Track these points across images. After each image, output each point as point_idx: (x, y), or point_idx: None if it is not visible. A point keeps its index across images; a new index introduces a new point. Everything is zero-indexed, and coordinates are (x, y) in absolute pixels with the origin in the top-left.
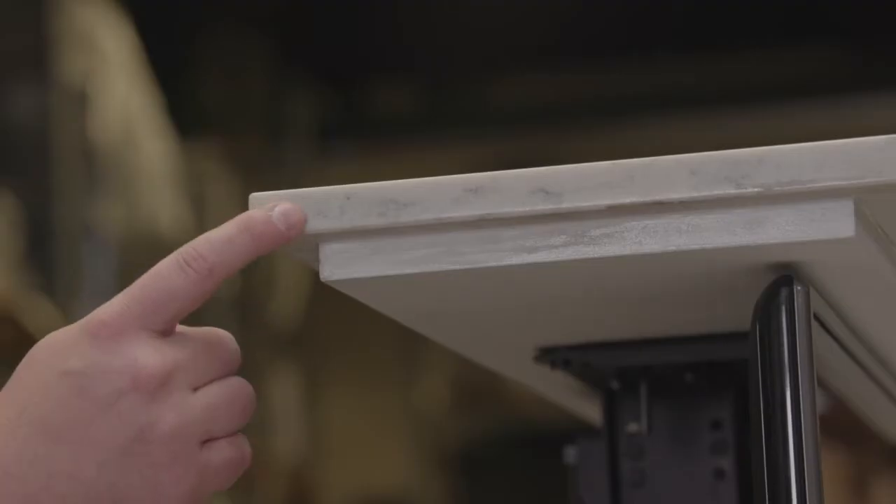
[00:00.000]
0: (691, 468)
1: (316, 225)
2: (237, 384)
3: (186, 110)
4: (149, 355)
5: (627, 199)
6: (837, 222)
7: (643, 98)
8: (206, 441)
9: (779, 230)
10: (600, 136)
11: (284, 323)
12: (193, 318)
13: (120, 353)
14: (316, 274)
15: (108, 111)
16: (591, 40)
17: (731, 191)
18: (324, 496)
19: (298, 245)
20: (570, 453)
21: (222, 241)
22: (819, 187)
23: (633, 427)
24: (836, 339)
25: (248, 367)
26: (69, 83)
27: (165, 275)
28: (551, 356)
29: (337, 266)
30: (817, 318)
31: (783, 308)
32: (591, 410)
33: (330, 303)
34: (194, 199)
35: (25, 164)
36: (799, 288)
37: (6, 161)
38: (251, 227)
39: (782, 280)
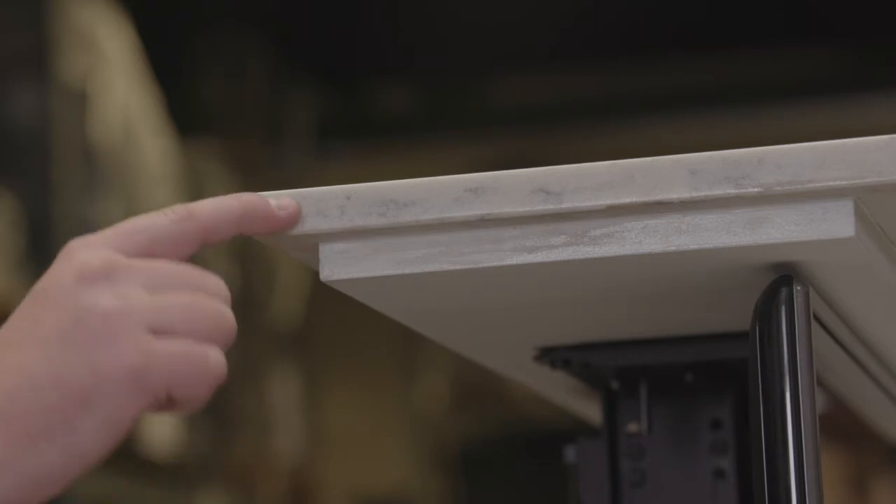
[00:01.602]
0: (691, 468)
1: (316, 225)
2: (204, 297)
3: (186, 110)
4: (95, 255)
5: (627, 199)
6: (837, 222)
7: (643, 98)
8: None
9: (779, 230)
10: (600, 136)
11: (284, 323)
12: None
13: (72, 258)
14: (316, 274)
15: (108, 111)
16: (590, 40)
17: (731, 191)
18: (324, 496)
19: (298, 245)
20: (570, 453)
21: (210, 200)
22: (819, 187)
23: (633, 427)
24: (836, 339)
25: (248, 368)
26: (69, 83)
27: (147, 215)
28: (551, 356)
29: (337, 266)
30: (817, 318)
31: (783, 308)
32: (591, 410)
33: (330, 303)
34: (194, 199)
35: (25, 164)
36: (799, 288)
37: (6, 161)
38: (241, 196)
39: (782, 280)
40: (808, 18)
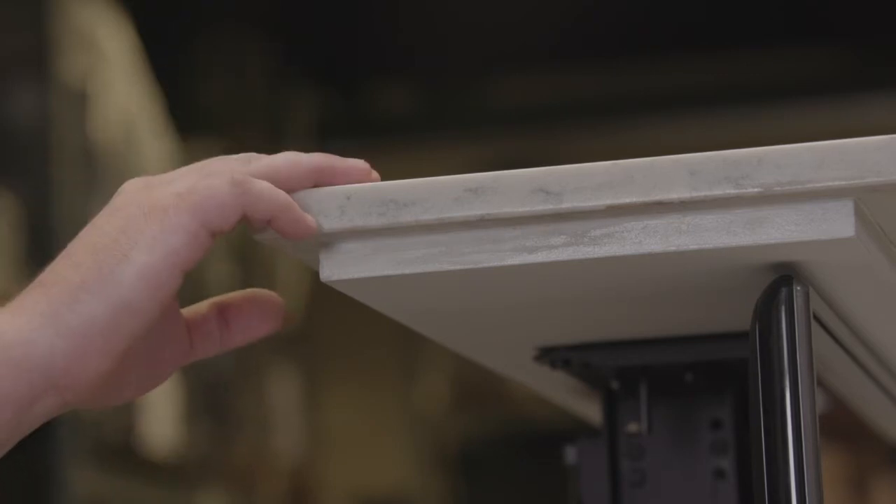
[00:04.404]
0: (691, 468)
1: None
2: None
3: (186, 110)
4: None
5: (627, 199)
6: (837, 222)
7: (643, 98)
8: None
9: (779, 230)
10: (600, 136)
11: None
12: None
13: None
14: (316, 274)
15: (108, 111)
16: (590, 40)
17: (731, 191)
18: (324, 496)
19: (298, 245)
20: (570, 453)
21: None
22: (819, 187)
23: (633, 427)
24: (836, 339)
25: (248, 368)
26: (69, 83)
27: (210, 174)
28: (551, 356)
29: (337, 266)
30: (817, 318)
31: (783, 308)
32: (591, 410)
33: (330, 303)
34: None
35: (25, 164)
36: (799, 288)
37: (6, 161)
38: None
39: (782, 280)
40: (808, 18)
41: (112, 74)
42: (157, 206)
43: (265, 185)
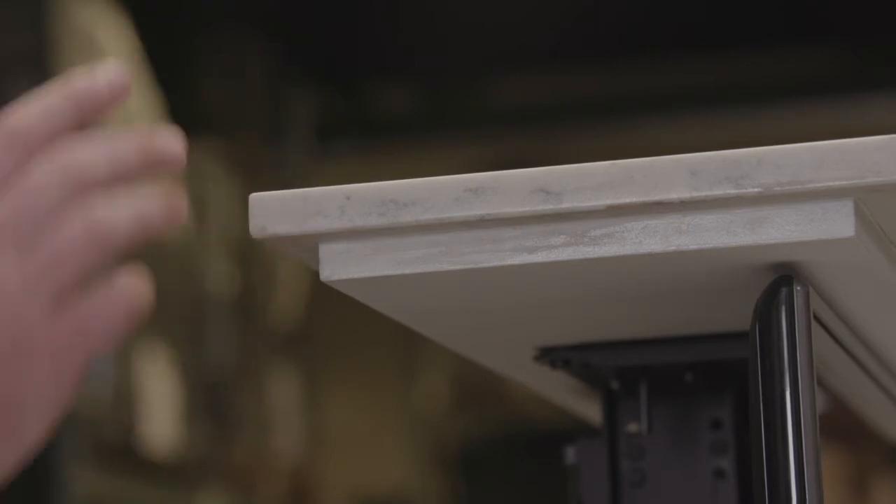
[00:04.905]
0: (691, 468)
1: (316, 225)
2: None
3: (186, 110)
4: None
5: (627, 199)
6: (837, 222)
7: (643, 98)
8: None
9: (779, 230)
10: (600, 136)
11: (284, 323)
12: (196, 319)
13: None
14: (316, 274)
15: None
16: (590, 40)
17: (731, 191)
18: (324, 496)
19: (298, 245)
20: (570, 453)
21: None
22: (819, 187)
23: (633, 427)
24: (836, 339)
25: (248, 368)
26: None
27: None
28: (551, 356)
29: (337, 266)
30: (817, 318)
31: (783, 308)
32: (591, 410)
33: (330, 303)
34: (194, 199)
35: None
36: (799, 288)
37: None
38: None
39: (782, 280)
40: (808, 18)
41: None
42: (43, 349)
43: (115, 229)
